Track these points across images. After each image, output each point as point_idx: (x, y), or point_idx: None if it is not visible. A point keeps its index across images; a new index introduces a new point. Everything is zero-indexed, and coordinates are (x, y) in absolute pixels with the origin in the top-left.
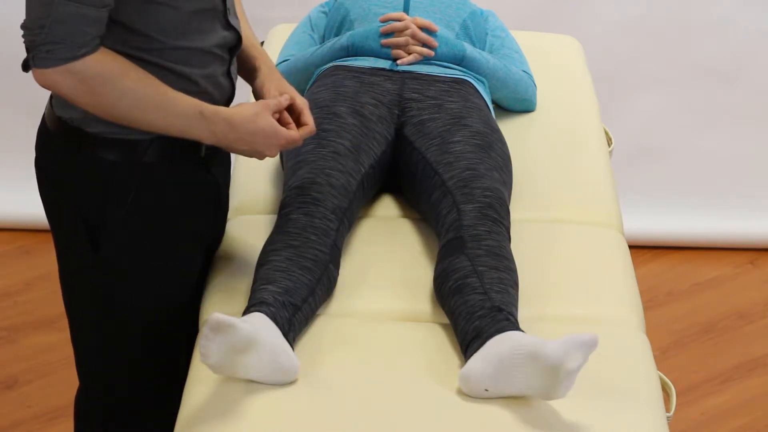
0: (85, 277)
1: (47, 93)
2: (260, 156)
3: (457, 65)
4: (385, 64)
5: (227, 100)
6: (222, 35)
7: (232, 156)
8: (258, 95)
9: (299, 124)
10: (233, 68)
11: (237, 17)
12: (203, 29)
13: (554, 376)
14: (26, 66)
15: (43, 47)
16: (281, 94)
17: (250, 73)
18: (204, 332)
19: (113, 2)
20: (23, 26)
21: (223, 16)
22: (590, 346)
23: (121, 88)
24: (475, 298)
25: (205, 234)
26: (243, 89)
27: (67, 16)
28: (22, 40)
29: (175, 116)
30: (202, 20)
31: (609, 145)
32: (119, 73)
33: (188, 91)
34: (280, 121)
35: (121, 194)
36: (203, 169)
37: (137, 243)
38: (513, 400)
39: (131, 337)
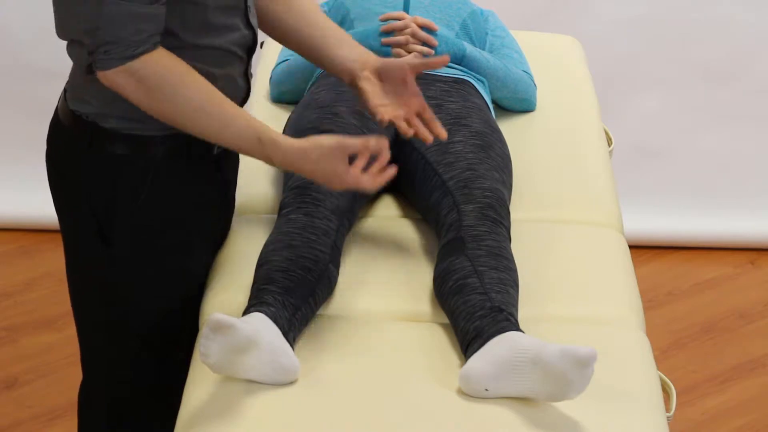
0: (93, 272)
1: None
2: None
3: (458, 65)
4: None
5: (242, 101)
6: (243, 33)
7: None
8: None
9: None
10: (250, 69)
11: (256, 16)
12: (226, 26)
13: (554, 381)
14: (90, 69)
15: (101, 48)
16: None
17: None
18: (204, 332)
19: None
20: (85, 31)
21: (245, 14)
22: (589, 360)
23: (179, 93)
24: (475, 298)
25: (213, 232)
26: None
27: (119, 16)
28: (84, 45)
29: (232, 135)
30: (225, 17)
31: (609, 145)
32: (178, 75)
33: None
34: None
35: (132, 190)
36: (214, 168)
37: (146, 239)
38: (513, 399)
39: (136, 332)
